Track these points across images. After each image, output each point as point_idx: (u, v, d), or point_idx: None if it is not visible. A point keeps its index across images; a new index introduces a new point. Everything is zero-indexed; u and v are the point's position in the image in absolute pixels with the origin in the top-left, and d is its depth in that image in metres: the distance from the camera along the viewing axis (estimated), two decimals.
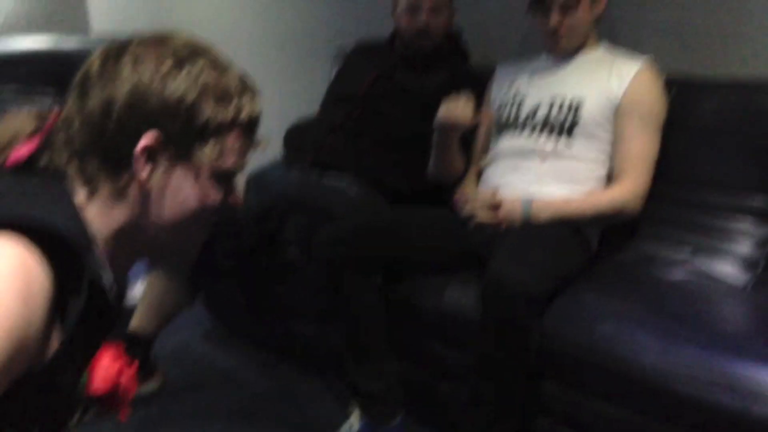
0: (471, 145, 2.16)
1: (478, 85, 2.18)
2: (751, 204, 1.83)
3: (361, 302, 1.82)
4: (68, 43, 3.24)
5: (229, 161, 0.91)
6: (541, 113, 1.96)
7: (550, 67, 2.03)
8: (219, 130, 0.89)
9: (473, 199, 1.93)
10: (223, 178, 0.92)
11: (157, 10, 3.48)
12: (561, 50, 1.98)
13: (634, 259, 1.90)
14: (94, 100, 0.87)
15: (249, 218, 2.14)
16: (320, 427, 1.90)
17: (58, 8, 3.63)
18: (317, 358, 2.20)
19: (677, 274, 1.79)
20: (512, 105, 2.04)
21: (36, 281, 0.74)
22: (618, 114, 1.90)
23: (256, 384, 2.18)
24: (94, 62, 0.90)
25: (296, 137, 2.39)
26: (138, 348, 2.03)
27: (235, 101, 0.90)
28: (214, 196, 0.92)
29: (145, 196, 0.89)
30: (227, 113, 0.89)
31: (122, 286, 0.98)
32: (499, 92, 2.12)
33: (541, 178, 1.92)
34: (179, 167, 0.89)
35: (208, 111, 0.88)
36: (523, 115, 2.00)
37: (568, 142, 1.91)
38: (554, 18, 1.90)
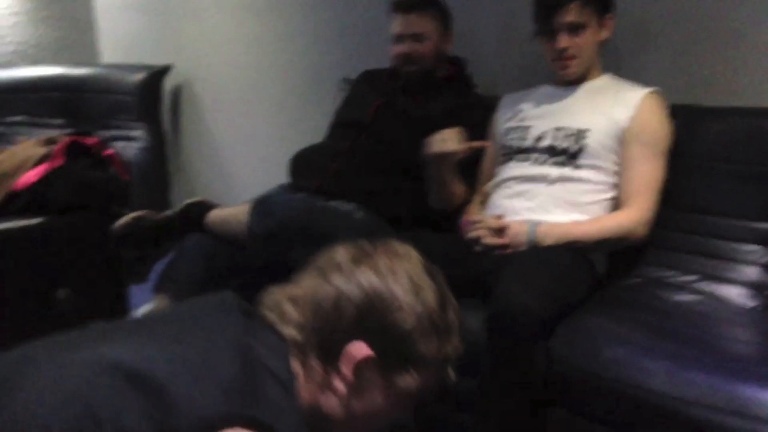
0: (475, 171, 2.17)
1: (485, 112, 2.20)
2: (758, 229, 1.83)
3: None
4: (77, 73, 3.27)
5: (423, 389, 0.95)
6: (547, 141, 1.98)
7: (555, 95, 2.05)
8: (427, 364, 0.94)
9: (479, 223, 1.93)
10: (411, 401, 0.96)
11: (165, 42, 3.52)
12: (568, 75, 1.99)
13: (641, 284, 1.89)
14: (329, 289, 0.94)
15: (255, 243, 2.14)
16: None
17: (67, 38, 3.68)
18: None
19: (685, 298, 1.78)
20: (517, 133, 2.05)
21: None
22: (624, 141, 1.91)
23: None
24: (339, 254, 0.98)
25: (302, 163, 2.40)
26: None
27: (449, 340, 0.95)
28: (397, 413, 0.96)
29: (341, 390, 0.93)
30: (440, 351, 0.94)
31: None
32: (505, 121, 2.14)
33: (547, 203, 1.92)
34: (378, 380, 0.93)
35: (424, 345, 0.93)
36: (528, 142, 2.01)
37: (574, 168, 1.92)
38: (562, 40, 1.92)
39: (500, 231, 1.87)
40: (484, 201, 2.11)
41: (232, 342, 0.87)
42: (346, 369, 0.91)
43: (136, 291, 2.33)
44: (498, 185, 2.05)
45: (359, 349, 0.90)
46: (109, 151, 2.73)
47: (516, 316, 1.55)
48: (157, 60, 3.31)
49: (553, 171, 1.94)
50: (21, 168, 2.32)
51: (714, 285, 1.81)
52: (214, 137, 3.36)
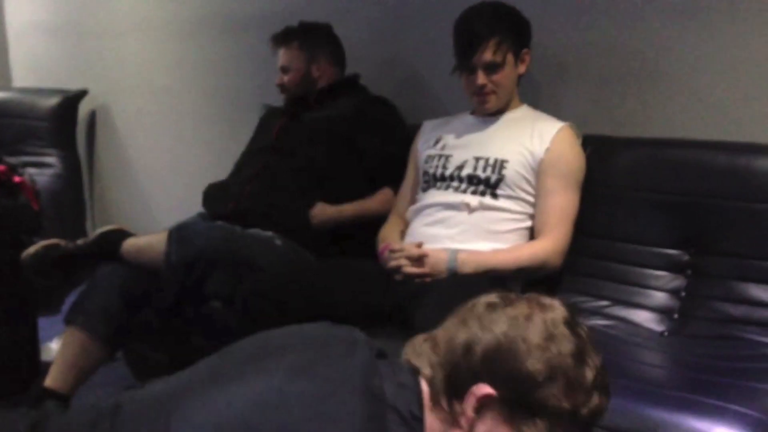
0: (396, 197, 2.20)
1: (388, 109, 2.35)
2: (666, 255, 1.89)
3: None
4: None
5: None
6: (467, 170, 2.01)
7: (475, 125, 2.09)
8: (554, 415, 0.93)
9: (398, 251, 1.94)
10: None
11: (80, 66, 3.44)
12: (487, 109, 2.04)
13: None
14: (463, 333, 0.98)
15: (172, 271, 2.10)
16: None
17: None
18: None
19: (598, 322, 1.83)
20: (439, 160, 2.08)
21: None
22: (540, 172, 1.96)
23: None
24: (481, 300, 1.01)
25: (216, 191, 2.41)
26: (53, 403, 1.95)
27: (582, 396, 0.94)
28: None
29: (464, 428, 0.96)
30: (569, 404, 0.93)
31: None
32: (426, 147, 2.16)
33: (467, 231, 1.95)
34: (501, 424, 0.94)
35: (552, 395, 0.92)
36: (449, 171, 2.04)
37: (493, 197, 1.96)
38: (480, 77, 1.96)
39: (420, 259, 1.89)
40: (404, 228, 2.12)
41: (361, 383, 0.92)
42: (469, 407, 0.94)
43: (46, 323, 2.25)
44: (418, 212, 2.07)
45: (481, 388, 0.93)
46: (19, 178, 2.64)
47: None
48: (72, 84, 3.23)
49: (474, 199, 1.97)
50: None
51: (625, 310, 1.87)
52: (131, 164, 3.29)
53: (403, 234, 2.11)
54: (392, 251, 1.96)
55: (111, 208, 3.34)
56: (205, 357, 2.17)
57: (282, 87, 2.50)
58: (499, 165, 1.97)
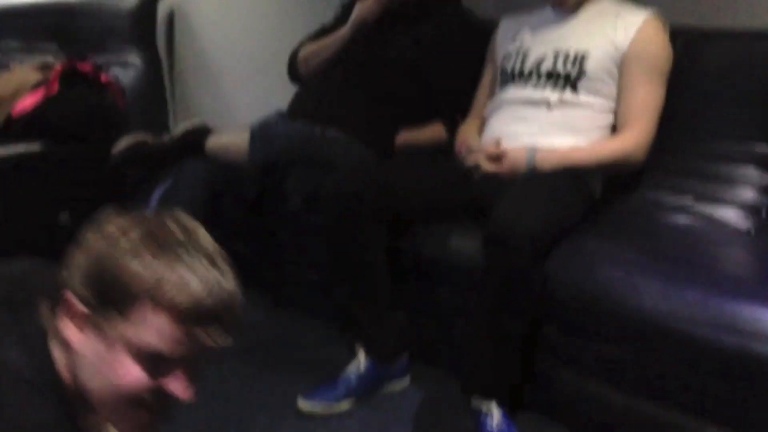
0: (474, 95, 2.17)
1: (479, 35, 2.22)
2: (755, 151, 1.84)
3: (367, 252, 1.84)
4: None
5: (152, 342, 0.89)
6: (546, 65, 1.96)
7: (554, 20, 2.02)
8: (132, 306, 0.88)
9: (476, 149, 1.94)
10: (152, 360, 0.90)
11: None
12: (567, 4, 1.97)
13: (637, 207, 1.91)
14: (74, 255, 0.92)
15: (253, 170, 2.16)
16: (327, 369, 1.93)
17: None
18: (323, 306, 2.23)
19: (680, 220, 1.81)
20: (517, 57, 2.03)
21: None
22: (623, 65, 1.90)
23: (264, 329, 2.22)
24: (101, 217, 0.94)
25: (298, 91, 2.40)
26: None
27: (166, 287, 0.88)
28: (132, 376, 0.90)
29: (69, 352, 0.92)
30: (154, 297, 0.88)
31: None
32: (504, 44, 2.12)
33: (546, 127, 1.92)
34: (99, 336, 0.90)
35: (133, 284, 0.88)
36: (528, 66, 2.00)
37: (573, 92, 1.91)
38: None
39: (498, 157, 1.88)
40: (482, 125, 2.11)
41: None
42: (66, 327, 0.91)
43: None
44: (496, 109, 2.05)
45: (65, 298, 0.90)
46: (105, 78, 2.70)
47: (513, 239, 1.57)
48: None
49: (553, 95, 1.93)
50: (16, 94, 2.30)
51: (709, 207, 1.83)
52: (211, 62, 3.33)
53: (480, 132, 2.09)
54: (470, 149, 1.96)
55: (192, 105, 3.39)
56: (289, 253, 2.26)
57: None
58: (580, 59, 1.91)
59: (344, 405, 1.85)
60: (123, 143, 2.16)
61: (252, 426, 1.80)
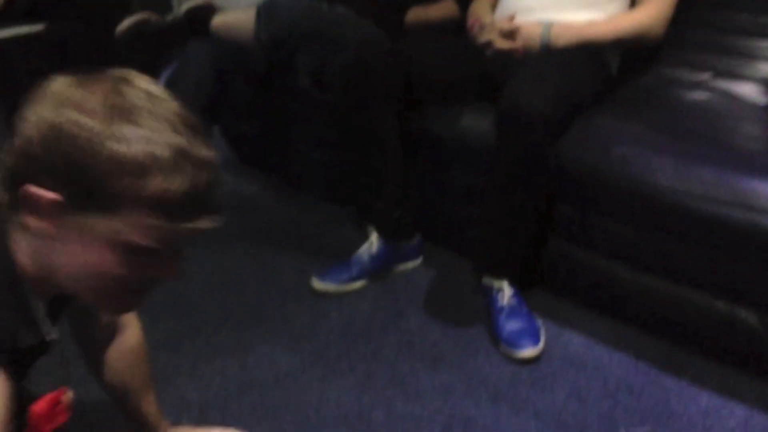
0: None
1: None
2: None
3: (378, 130, 1.82)
4: None
5: (132, 236, 0.82)
6: None
7: None
8: (122, 205, 0.80)
9: (489, 26, 1.88)
10: (133, 251, 0.83)
11: None
12: None
13: (654, 83, 1.87)
14: (24, 126, 0.80)
15: (260, 48, 2.11)
16: (340, 249, 1.96)
17: None
18: (335, 187, 2.23)
19: (697, 96, 1.77)
20: None
21: None
22: None
23: (276, 210, 2.23)
24: (58, 81, 0.82)
25: None
26: None
27: (148, 178, 0.79)
28: (112, 266, 0.84)
29: (38, 240, 0.84)
30: (138, 189, 0.79)
31: (58, 306, 0.98)
32: None
33: (562, 1, 1.85)
34: (73, 229, 0.82)
35: (113, 182, 0.78)
36: None
37: None
38: None
39: (512, 33, 1.82)
40: (495, 1, 2.03)
41: None
42: (25, 210, 0.82)
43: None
44: None
45: (33, 189, 0.80)
46: None
47: (526, 115, 1.54)
48: None
49: None
50: None
51: (728, 83, 1.79)
52: None
53: (493, 7, 2.02)
54: (482, 26, 1.90)
55: None
56: (299, 133, 2.24)
57: None
58: None
59: (357, 285, 1.88)
60: (126, 23, 2.11)
61: (266, 307, 1.84)
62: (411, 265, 1.96)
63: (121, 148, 0.78)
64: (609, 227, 1.60)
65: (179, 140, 0.81)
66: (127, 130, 0.79)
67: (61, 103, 0.80)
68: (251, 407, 1.50)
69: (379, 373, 1.60)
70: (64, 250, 0.84)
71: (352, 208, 2.13)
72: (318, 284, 1.87)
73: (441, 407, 1.50)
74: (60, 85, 0.82)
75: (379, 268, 1.91)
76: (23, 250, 0.87)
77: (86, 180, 0.79)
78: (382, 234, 1.89)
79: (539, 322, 1.69)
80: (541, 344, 1.64)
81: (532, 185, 1.62)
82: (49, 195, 0.80)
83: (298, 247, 2.06)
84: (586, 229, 1.65)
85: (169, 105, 0.83)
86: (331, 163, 2.20)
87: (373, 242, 1.90)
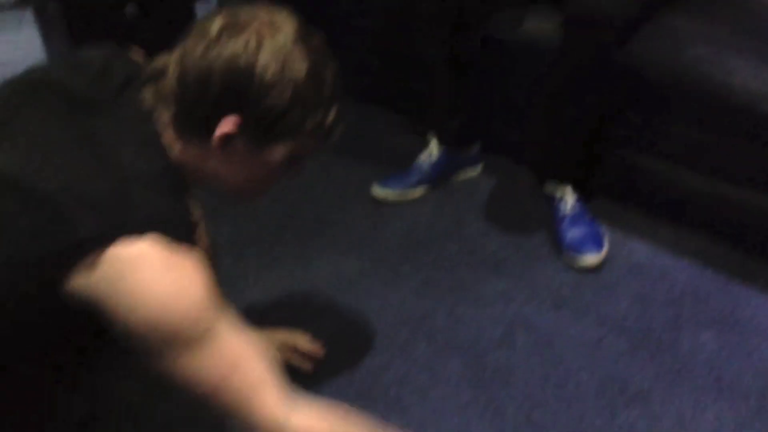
0: None
1: None
2: None
3: (425, 51, 1.79)
4: None
5: (299, 157, 0.98)
6: None
7: None
8: (297, 136, 0.94)
9: None
10: (289, 166, 0.98)
11: None
12: None
13: None
14: (202, 62, 0.89)
15: None
16: (401, 156, 1.94)
17: None
18: (394, 95, 2.20)
19: None
20: None
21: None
22: None
23: None
24: (215, 24, 0.90)
25: None
26: None
27: (321, 113, 0.94)
28: (279, 176, 1.00)
29: (212, 165, 0.96)
30: (310, 124, 0.93)
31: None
32: None
33: None
34: (248, 155, 0.95)
35: (293, 120, 0.92)
36: None
37: None
38: None
39: None
40: None
41: (96, 151, 0.89)
42: (215, 143, 0.92)
43: (201, 9, 2.30)
44: None
45: (225, 125, 0.91)
46: None
47: (595, 18, 1.48)
48: None
49: None
50: None
51: None
52: None
53: None
54: None
55: None
56: (355, 40, 2.20)
57: None
58: None
59: (417, 192, 1.88)
60: None
61: (328, 213, 1.85)
62: (471, 172, 1.94)
63: (296, 86, 0.89)
64: (677, 131, 1.56)
65: (334, 75, 0.95)
66: (297, 68, 0.90)
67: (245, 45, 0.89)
68: (314, 312, 1.53)
69: (440, 279, 1.61)
70: (229, 160, 0.95)
71: (413, 116, 2.10)
72: (378, 191, 1.87)
73: (502, 312, 1.51)
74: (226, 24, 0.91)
75: (439, 176, 1.89)
76: (178, 149, 0.95)
77: (265, 118, 0.90)
78: (443, 141, 1.87)
79: (603, 228, 1.67)
80: (605, 250, 1.62)
81: (598, 89, 1.58)
82: (229, 125, 0.91)
83: (359, 154, 2.05)
84: (651, 136, 1.61)
85: (318, 39, 0.94)
86: (390, 75, 2.16)
87: (432, 149, 1.88)
